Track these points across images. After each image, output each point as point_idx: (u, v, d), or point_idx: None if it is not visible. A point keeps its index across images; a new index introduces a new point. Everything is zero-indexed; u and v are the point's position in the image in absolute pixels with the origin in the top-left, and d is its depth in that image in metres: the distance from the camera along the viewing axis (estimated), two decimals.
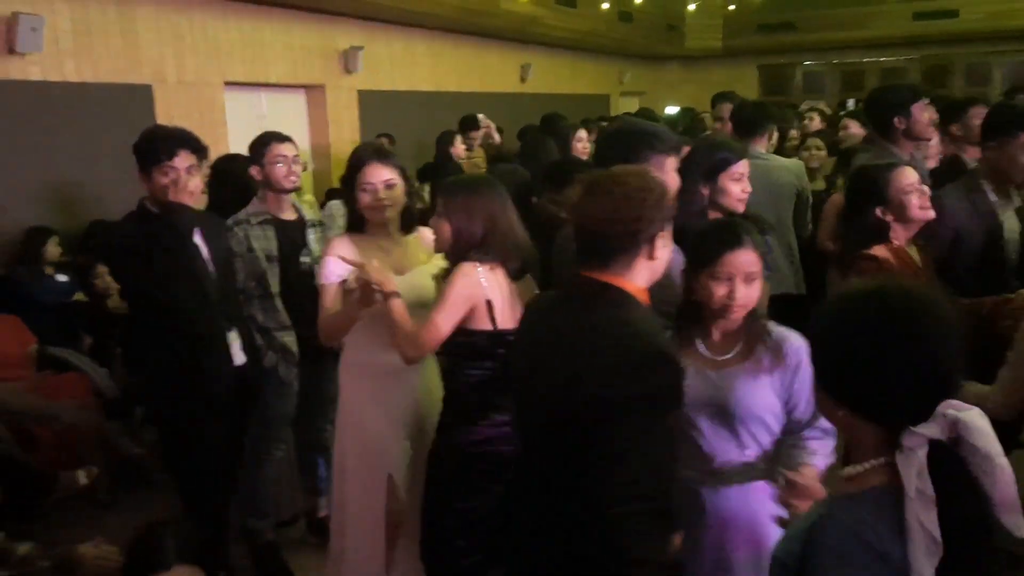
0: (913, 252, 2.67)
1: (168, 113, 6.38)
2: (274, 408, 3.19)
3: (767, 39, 14.31)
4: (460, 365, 2.35)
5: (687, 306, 2.08)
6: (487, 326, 2.29)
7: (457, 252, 2.31)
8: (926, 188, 2.66)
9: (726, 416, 2.00)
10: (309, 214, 3.37)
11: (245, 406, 3.04)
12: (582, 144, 4.87)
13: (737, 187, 2.58)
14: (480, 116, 6.14)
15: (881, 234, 2.60)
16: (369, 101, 8.66)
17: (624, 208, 1.71)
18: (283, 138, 3.26)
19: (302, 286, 3.12)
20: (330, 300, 2.56)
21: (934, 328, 1.17)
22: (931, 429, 1.16)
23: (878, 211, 2.60)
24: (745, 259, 1.97)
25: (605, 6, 11.06)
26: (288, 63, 7.66)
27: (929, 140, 3.87)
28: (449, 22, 9.30)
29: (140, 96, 6.22)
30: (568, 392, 1.72)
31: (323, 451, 3.48)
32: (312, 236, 3.28)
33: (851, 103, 10.74)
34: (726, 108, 5.27)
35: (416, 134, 8.11)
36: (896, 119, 3.47)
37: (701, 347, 2.07)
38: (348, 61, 8.27)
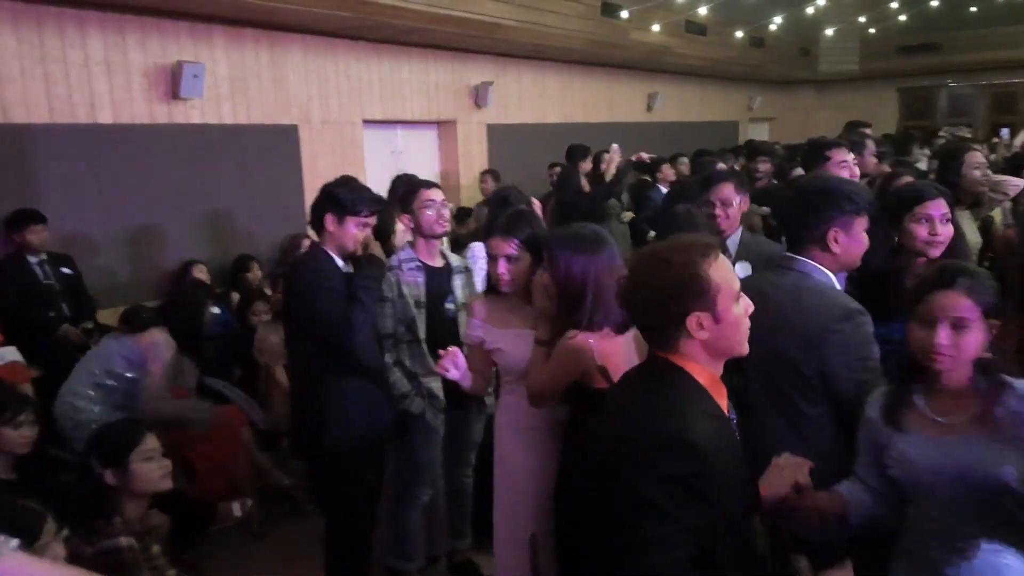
0: None
1: (312, 151, 6.70)
2: (421, 453, 3.22)
3: (909, 61, 13.64)
4: (579, 410, 2.37)
5: (907, 360, 1.86)
6: (603, 384, 2.29)
7: (563, 310, 2.30)
8: None
9: (958, 487, 1.74)
10: (456, 260, 3.40)
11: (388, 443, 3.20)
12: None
13: (922, 229, 2.53)
14: (614, 146, 6.04)
15: None
16: (497, 134, 8.80)
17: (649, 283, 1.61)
18: (430, 184, 3.33)
19: (447, 332, 3.17)
20: (472, 359, 2.65)
21: None
22: None
23: None
24: (950, 302, 1.75)
25: (738, 34, 10.81)
26: (423, 100, 7.89)
27: None
28: (579, 55, 9.35)
29: (288, 136, 6.56)
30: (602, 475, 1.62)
31: (464, 495, 3.49)
32: (458, 282, 3.31)
33: (1005, 132, 9.86)
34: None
35: (543, 166, 8.14)
36: None
37: (923, 407, 1.84)
38: (479, 96, 8.44)
